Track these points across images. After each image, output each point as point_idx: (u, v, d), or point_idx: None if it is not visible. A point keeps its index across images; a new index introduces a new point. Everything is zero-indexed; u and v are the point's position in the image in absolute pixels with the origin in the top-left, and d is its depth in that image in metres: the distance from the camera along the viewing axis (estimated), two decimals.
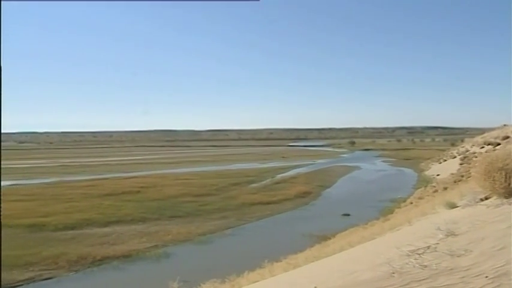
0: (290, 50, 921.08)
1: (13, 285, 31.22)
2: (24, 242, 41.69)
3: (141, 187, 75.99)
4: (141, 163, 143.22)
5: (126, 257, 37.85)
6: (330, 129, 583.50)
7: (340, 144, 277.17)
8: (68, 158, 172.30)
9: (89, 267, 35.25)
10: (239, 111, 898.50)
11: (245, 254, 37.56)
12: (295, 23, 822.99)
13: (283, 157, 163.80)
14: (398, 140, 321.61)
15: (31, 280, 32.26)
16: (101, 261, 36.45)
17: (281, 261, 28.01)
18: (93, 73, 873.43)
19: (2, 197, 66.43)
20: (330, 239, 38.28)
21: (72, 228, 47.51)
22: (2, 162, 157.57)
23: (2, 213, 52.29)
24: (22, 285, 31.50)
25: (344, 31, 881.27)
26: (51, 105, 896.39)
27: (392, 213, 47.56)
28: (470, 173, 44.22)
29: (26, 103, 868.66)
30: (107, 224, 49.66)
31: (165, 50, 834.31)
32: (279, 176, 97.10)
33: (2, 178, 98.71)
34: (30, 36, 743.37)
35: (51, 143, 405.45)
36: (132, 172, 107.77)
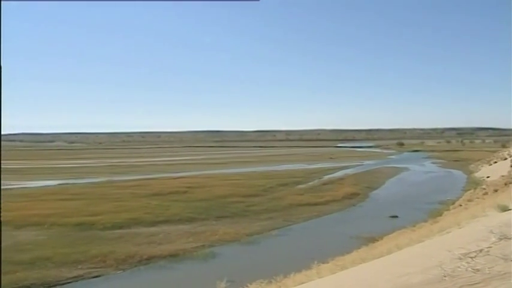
0: (338, 51, 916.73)
1: (62, 282, 31.60)
2: (73, 240, 42.24)
3: (189, 187, 76.30)
4: (188, 163, 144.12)
5: (173, 256, 37.96)
6: (378, 130, 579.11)
7: (388, 146, 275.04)
8: (116, 158, 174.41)
9: (136, 266, 35.46)
10: (287, 112, 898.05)
11: (291, 255, 37.40)
12: (339, 23, 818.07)
13: (330, 158, 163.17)
14: (448, 141, 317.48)
15: (79, 278, 32.57)
16: (148, 260, 36.63)
17: (328, 262, 27.76)
18: (141, 75, 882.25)
19: (51, 196, 67.72)
20: (377, 241, 37.88)
21: (120, 227, 47.91)
22: (53, 162, 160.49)
23: (50, 212, 53.43)
24: (71, 282, 31.83)
25: (391, 31, 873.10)
26: (100, 106, 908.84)
27: (441, 215, 46.81)
28: None
29: (76, 104, 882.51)
30: (154, 223, 49.94)
31: (212, 52, 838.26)
32: (327, 177, 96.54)
33: (52, 177, 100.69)
34: (79, 37, 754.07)
35: (100, 143, 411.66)
36: (180, 172, 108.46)
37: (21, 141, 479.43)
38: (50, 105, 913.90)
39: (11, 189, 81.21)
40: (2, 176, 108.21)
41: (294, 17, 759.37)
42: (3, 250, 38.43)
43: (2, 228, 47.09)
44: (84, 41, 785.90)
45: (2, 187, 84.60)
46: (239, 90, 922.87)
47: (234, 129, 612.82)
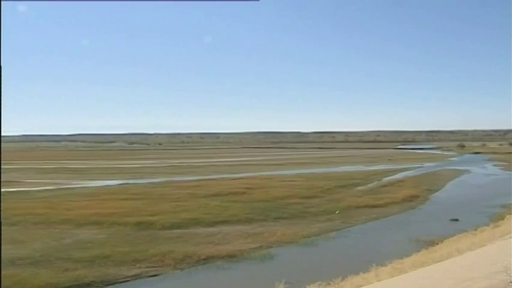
0: (398, 51, 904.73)
1: (121, 280, 31.94)
2: (132, 239, 42.70)
3: (247, 188, 76.42)
4: (247, 164, 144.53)
5: (231, 257, 37.93)
6: (438, 131, 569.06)
7: (448, 147, 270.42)
8: (176, 159, 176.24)
9: (194, 266, 35.54)
10: (346, 114, 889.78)
11: (349, 257, 37.04)
12: (396, 22, 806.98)
13: (390, 160, 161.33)
14: (511, 144, 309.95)
15: (138, 276, 32.85)
16: (205, 260, 36.68)
17: (387, 265, 27.37)
18: (201, 78, 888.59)
19: (112, 196, 68.71)
20: (437, 244, 37.28)
21: (179, 227, 48.19)
22: (113, 162, 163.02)
23: (111, 211, 54.17)
24: (129, 281, 32.14)
25: (451, 29, 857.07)
26: (160, 108, 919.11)
27: (503, 219, 45.80)
28: None
29: (137, 106, 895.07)
30: (212, 224, 50.08)
31: (272, 54, 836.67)
32: (386, 179, 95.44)
33: (113, 177, 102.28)
34: (138, 40, 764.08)
35: (160, 144, 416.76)
36: (239, 173, 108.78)
37: (82, 141, 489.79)
38: (111, 107, 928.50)
39: (72, 188, 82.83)
40: (63, 175, 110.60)
41: (349, 16, 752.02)
42: (65, 248, 39.30)
43: (64, 226, 48.16)
44: (146, 44, 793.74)
45: (65, 186, 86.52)
46: (298, 91, 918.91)
47: (293, 130, 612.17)
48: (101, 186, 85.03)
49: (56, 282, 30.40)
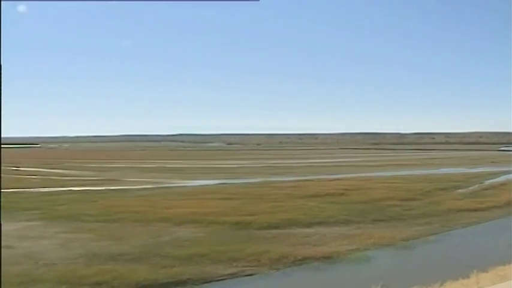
0: (499, 49, 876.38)
1: (217, 279, 32.20)
2: (229, 238, 42.96)
3: (345, 189, 75.67)
4: (345, 165, 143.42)
5: (327, 258, 37.54)
6: None
7: None
8: (273, 159, 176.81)
9: (289, 266, 35.37)
10: (446, 114, 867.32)
11: (448, 262, 36.09)
12: (488, 17, 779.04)
13: (492, 162, 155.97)
14: None
15: (234, 275, 33.00)
16: (301, 261, 36.42)
17: (488, 272, 26.45)
18: (300, 79, 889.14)
19: (210, 195, 69.59)
20: None
21: (276, 227, 48.13)
22: (212, 162, 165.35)
23: (208, 210, 54.81)
24: (225, 279, 32.34)
25: None
26: (258, 108, 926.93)
27: None
28: None
29: (234, 107, 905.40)
30: (309, 224, 49.74)
31: (367, 54, 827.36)
32: (488, 182, 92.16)
33: (211, 177, 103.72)
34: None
35: (258, 144, 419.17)
36: (336, 174, 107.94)
37: (182, 141, 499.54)
38: (210, 109, 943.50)
39: (171, 187, 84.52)
40: (163, 174, 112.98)
41: (430, 13, 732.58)
42: (163, 245, 40.02)
43: (162, 224, 49.13)
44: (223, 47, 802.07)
45: (165, 185, 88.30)
46: (396, 91, 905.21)
47: (392, 131, 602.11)
48: (199, 186, 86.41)
49: (153, 278, 30.95)
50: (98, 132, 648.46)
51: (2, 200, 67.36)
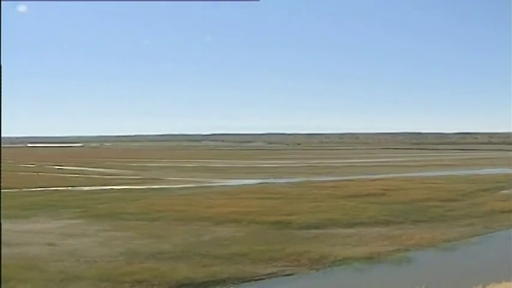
0: None
1: (256, 278, 32.18)
2: (269, 238, 42.92)
3: (386, 190, 75.11)
4: (386, 165, 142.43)
5: (367, 259, 37.22)
6: None
7: None
8: (314, 159, 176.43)
9: (329, 266, 35.16)
10: (490, 113, 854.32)
11: (491, 264, 35.55)
12: None
13: None
14: None
15: (273, 275, 32.94)
16: (341, 261, 36.17)
17: None
18: (340, 82, 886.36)
19: (250, 195, 69.73)
20: None
21: (316, 227, 47.97)
22: (252, 161, 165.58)
23: (249, 209, 54.91)
24: (265, 279, 32.29)
25: None
26: (299, 108, 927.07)
27: None
28: None
29: (275, 107, 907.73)
30: (349, 225, 49.45)
31: (415, 59, 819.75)
32: None
33: (251, 176, 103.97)
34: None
35: (298, 144, 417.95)
36: (377, 174, 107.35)
37: (222, 141, 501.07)
38: (251, 108, 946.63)
39: (212, 186, 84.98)
40: (204, 173, 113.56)
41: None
42: (203, 244, 40.23)
43: (203, 223, 49.38)
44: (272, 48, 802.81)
45: (205, 184, 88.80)
46: (438, 91, 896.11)
47: (434, 131, 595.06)
48: (239, 185, 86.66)
49: (193, 277, 31.06)
50: (140, 132, 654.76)
51: (45, 197, 68.80)
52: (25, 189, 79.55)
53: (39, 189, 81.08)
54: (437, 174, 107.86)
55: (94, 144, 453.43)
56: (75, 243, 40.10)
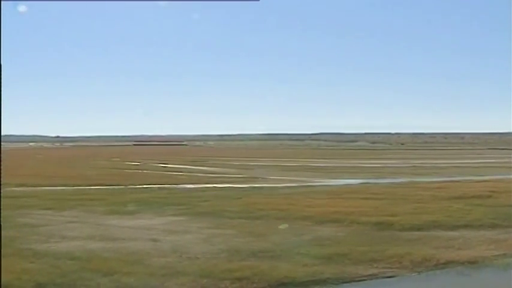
0: None
1: (357, 279, 31.88)
2: (370, 239, 42.37)
3: (493, 191, 72.34)
4: (493, 166, 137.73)
5: (471, 263, 36.11)
6: None
7: None
8: (418, 159, 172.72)
9: (431, 269, 34.37)
10: None
11: None
12: None
13: None
14: None
15: (374, 276, 32.55)
16: (444, 264, 35.29)
17: None
18: (444, 81, 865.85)
19: (352, 195, 69.24)
20: None
21: (419, 229, 46.90)
22: (355, 161, 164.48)
23: (350, 210, 54.57)
24: (365, 280, 31.93)
25: None
26: (403, 107, 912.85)
27: None
28: None
29: (378, 106, 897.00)
30: (453, 227, 48.01)
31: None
32: None
33: (354, 176, 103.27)
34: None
35: (402, 143, 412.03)
36: (483, 175, 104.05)
37: (325, 140, 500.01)
38: (352, 107, 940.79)
39: (314, 186, 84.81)
40: (306, 173, 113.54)
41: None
42: (304, 243, 40.30)
43: (304, 222, 49.39)
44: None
45: (307, 184, 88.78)
46: None
47: None
48: (342, 185, 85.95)
49: (293, 276, 31.08)
50: (242, 131, 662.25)
51: (149, 194, 70.81)
52: (131, 186, 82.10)
53: (144, 186, 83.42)
54: None
55: (198, 143, 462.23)
56: (177, 240, 40.92)
